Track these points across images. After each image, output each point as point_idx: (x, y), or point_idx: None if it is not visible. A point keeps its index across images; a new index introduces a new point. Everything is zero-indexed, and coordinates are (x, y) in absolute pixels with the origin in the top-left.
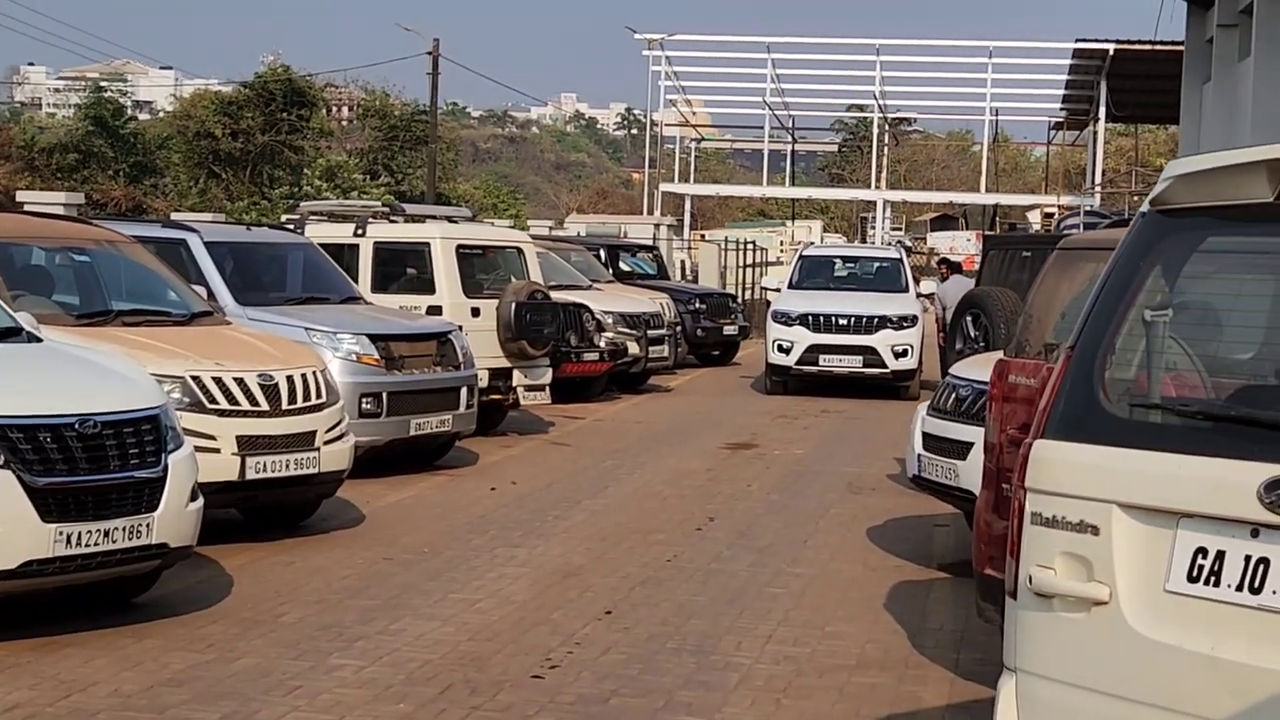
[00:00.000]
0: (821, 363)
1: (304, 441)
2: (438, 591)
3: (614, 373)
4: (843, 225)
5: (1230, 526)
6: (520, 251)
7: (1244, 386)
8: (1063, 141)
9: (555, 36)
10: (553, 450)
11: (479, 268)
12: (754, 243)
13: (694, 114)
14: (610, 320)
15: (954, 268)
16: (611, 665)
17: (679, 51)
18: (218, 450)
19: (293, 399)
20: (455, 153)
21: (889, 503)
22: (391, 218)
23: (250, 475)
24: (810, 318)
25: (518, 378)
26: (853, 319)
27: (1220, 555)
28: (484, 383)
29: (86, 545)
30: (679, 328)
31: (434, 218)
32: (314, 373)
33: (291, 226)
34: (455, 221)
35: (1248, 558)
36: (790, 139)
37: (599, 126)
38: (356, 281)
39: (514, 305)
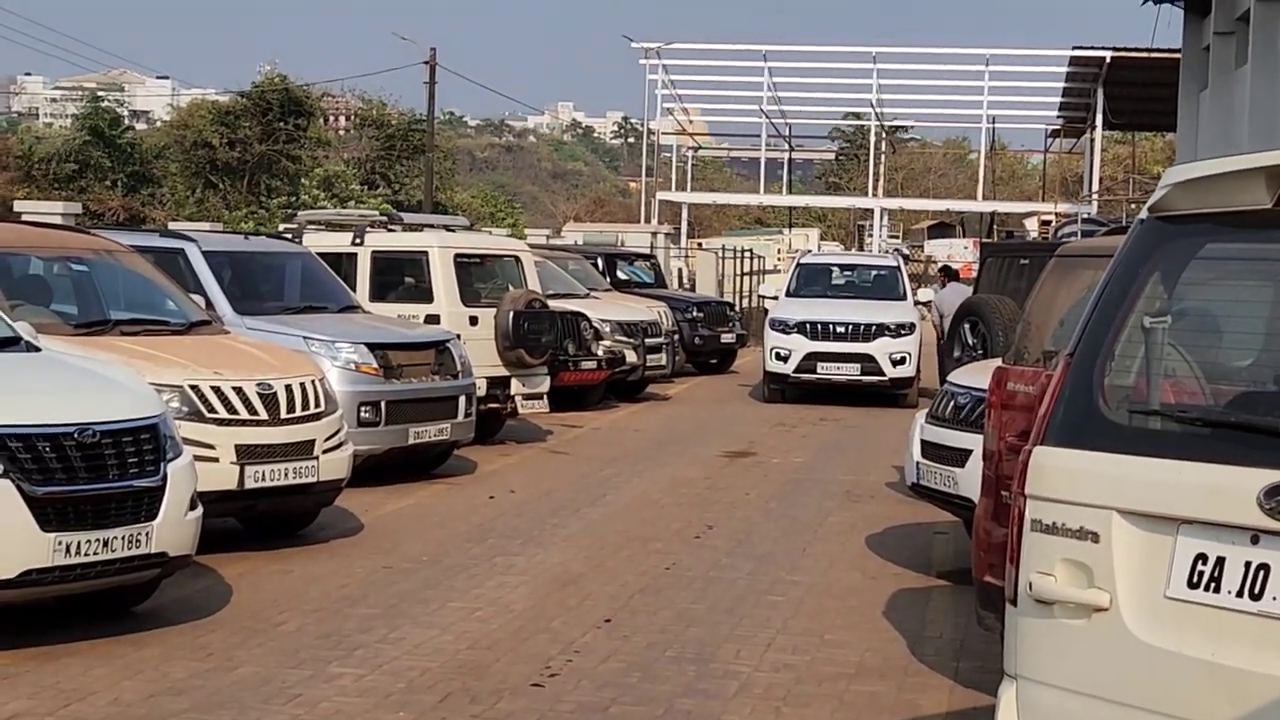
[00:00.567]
0: (819, 371)
1: (303, 450)
2: (436, 600)
3: (612, 381)
4: (840, 233)
5: (1230, 532)
6: (518, 260)
7: (1243, 393)
8: (1060, 149)
9: (552, 46)
10: (551, 459)
11: (477, 276)
12: (751, 251)
13: (691, 122)
14: (608, 329)
15: (952, 275)
16: (611, 673)
17: (676, 60)
18: (216, 459)
19: (291, 408)
20: (452, 162)
21: (888, 510)
22: (389, 227)
23: (249, 484)
24: (808, 325)
25: (516, 386)
26: (850, 327)
27: (1220, 561)
28: (482, 391)
29: (86, 554)
30: (676, 336)
31: (432, 227)
32: (312, 381)
33: (289, 235)
34: (453, 230)
35: (1248, 564)
36: (787, 147)
37: (596, 135)
38: (355, 290)
39: (512, 314)
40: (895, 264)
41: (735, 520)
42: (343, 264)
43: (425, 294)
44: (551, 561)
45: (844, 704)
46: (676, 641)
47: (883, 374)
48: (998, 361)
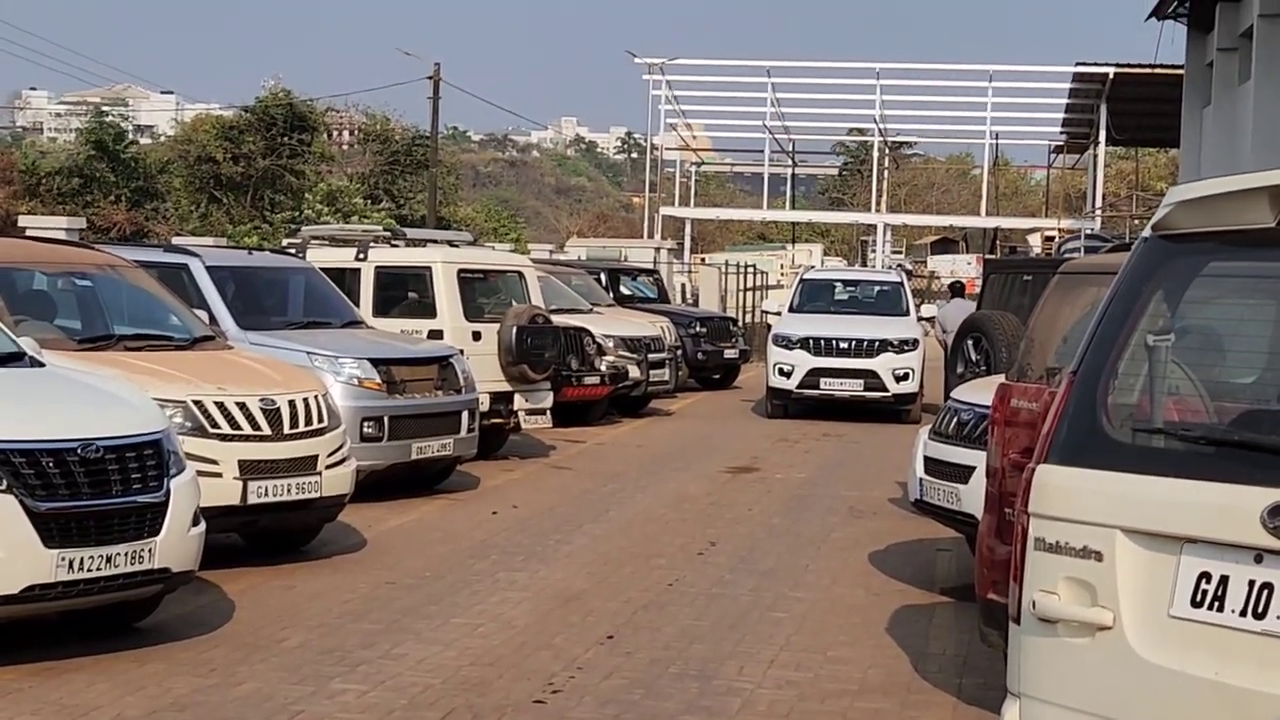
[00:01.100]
0: (823, 386)
1: (306, 466)
2: (439, 616)
3: (614, 396)
4: (843, 248)
5: (1234, 552)
6: (521, 275)
7: (1247, 411)
8: (1063, 165)
9: (555, 61)
10: (554, 474)
11: (480, 292)
12: (754, 266)
13: (694, 138)
14: (611, 344)
15: (958, 290)
16: (614, 690)
17: (679, 75)
18: (220, 475)
19: (294, 423)
20: (456, 177)
21: (891, 527)
22: (393, 242)
23: (252, 500)
24: (811, 341)
25: (519, 401)
26: (854, 343)
27: (1224, 580)
28: (485, 407)
29: (89, 570)
30: (680, 351)
31: (435, 242)
32: (316, 397)
33: (293, 251)
34: (456, 246)
35: (1251, 583)
36: (790, 162)
37: (599, 150)
38: (358, 306)
39: (515, 329)
40: (898, 280)
41: (738, 536)
42: (346, 279)
43: (429, 309)
44: (554, 577)
45: None
46: (679, 658)
47: (886, 390)
48: (1001, 378)
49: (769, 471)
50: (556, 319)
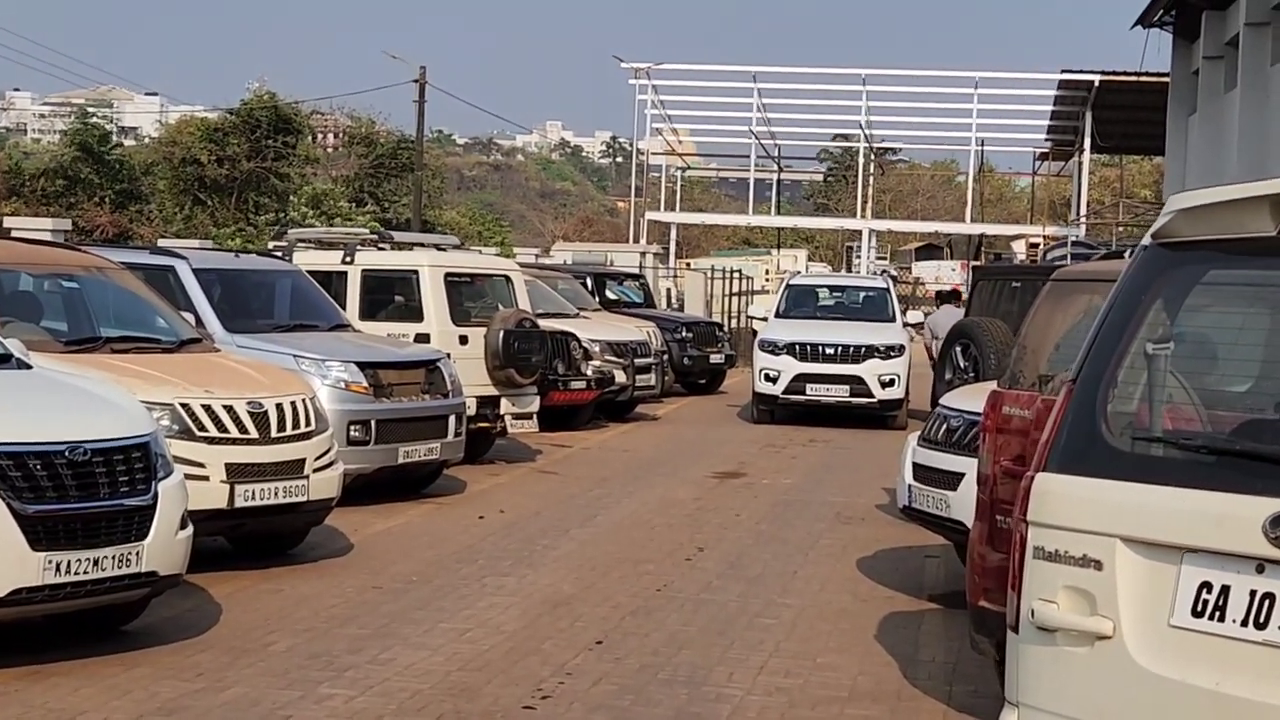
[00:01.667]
0: (809, 392)
1: (293, 469)
2: (427, 620)
3: (601, 401)
4: (828, 254)
5: (1235, 561)
6: (508, 279)
7: (1249, 420)
8: (1048, 172)
9: (541, 65)
10: (540, 479)
11: (467, 295)
12: (740, 271)
13: (680, 142)
14: (597, 348)
15: (945, 298)
16: (603, 696)
17: (665, 80)
18: (206, 478)
19: (282, 426)
20: (440, 180)
21: (878, 533)
22: (380, 245)
23: (239, 503)
24: (797, 347)
25: (505, 406)
26: (840, 348)
27: (1225, 590)
28: (472, 410)
29: (76, 573)
30: (666, 356)
31: (422, 245)
32: (303, 400)
33: (279, 253)
34: (444, 249)
35: (1253, 593)
36: (776, 168)
37: (584, 155)
38: (345, 309)
39: (502, 333)
40: (884, 286)
41: (726, 542)
42: (333, 282)
43: (415, 313)
44: (542, 582)
45: None
46: (669, 664)
47: (872, 396)
48: (990, 384)
49: (756, 477)
50: (543, 323)
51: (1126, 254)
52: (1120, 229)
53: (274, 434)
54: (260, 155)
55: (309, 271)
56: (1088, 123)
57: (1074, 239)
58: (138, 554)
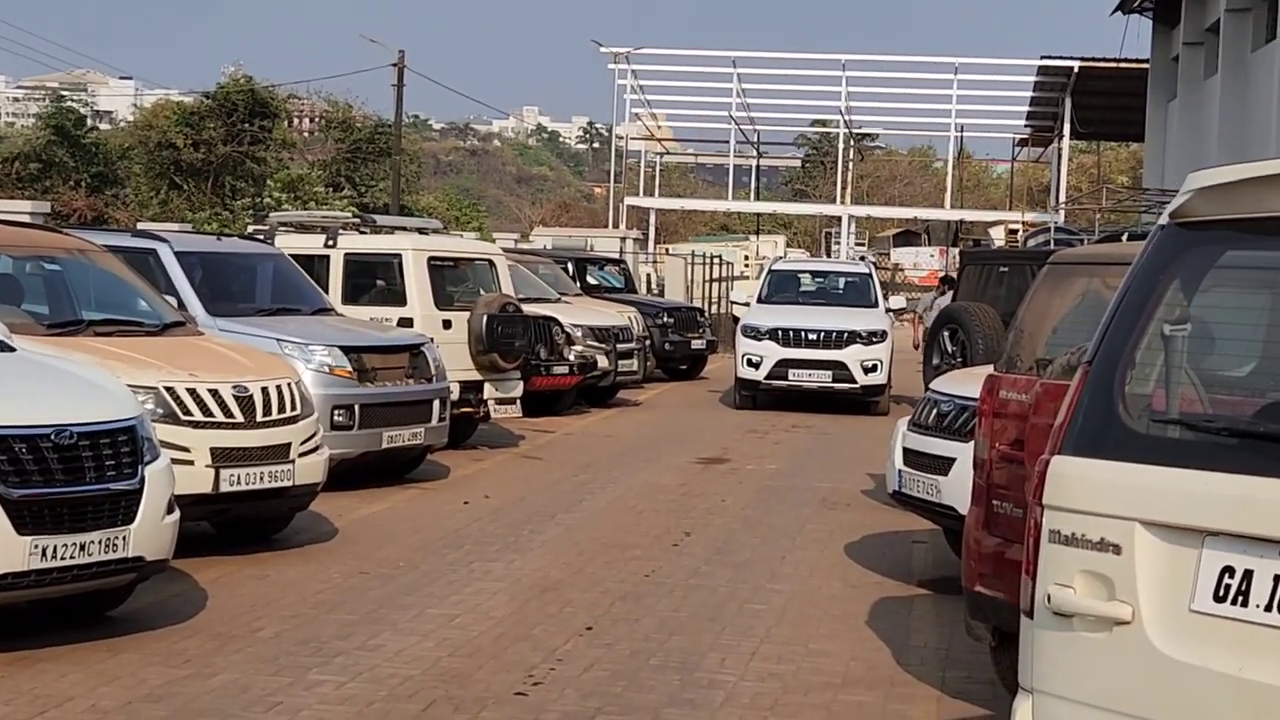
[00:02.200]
0: (791, 377)
1: (279, 454)
2: (416, 606)
3: (583, 386)
4: (805, 240)
5: (1258, 545)
6: (492, 264)
7: (1271, 402)
8: (1027, 158)
9: (518, 49)
10: (524, 464)
11: (450, 280)
12: (720, 257)
13: (659, 128)
14: (579, 333)
15: (949, 283)
16: (595, 682)
17: (644, 65)
18: (191, 462)
19: (267, 411)
20: (417, 165)
21: (865, 518)
22: (362, 229)
23: (224, 488)
24: (779, 332)
25: (489, 390)
26: (822, 334)
27: (1248, 574)
28: (455, 395)
29: (62, 558)
30: (648, 341)
31: (405, 229)
32: (289, 384)
33: (261, 237)
34: (426, 233)
35: (1277, 577)
36: (755, 153)
37: (561, 140)
38: (327, 293)
39: (485, 318)
40: (867, 271)
41: (713, 527)
42: (315, 266)
43: (398, 297)
44: (530, 568)
45: (832, 714)
46: (660, 650)
47: (854, 381)
48: (980, 369)
49: (740, 462)
50: (525, 308)
51: (1124, 237)
52: (1098, 215)
53: (259, 418)
54: (236, 139)
55: (291, 255)
56: (1067, 109)
57: (1057, 225)
58: (124, 539)
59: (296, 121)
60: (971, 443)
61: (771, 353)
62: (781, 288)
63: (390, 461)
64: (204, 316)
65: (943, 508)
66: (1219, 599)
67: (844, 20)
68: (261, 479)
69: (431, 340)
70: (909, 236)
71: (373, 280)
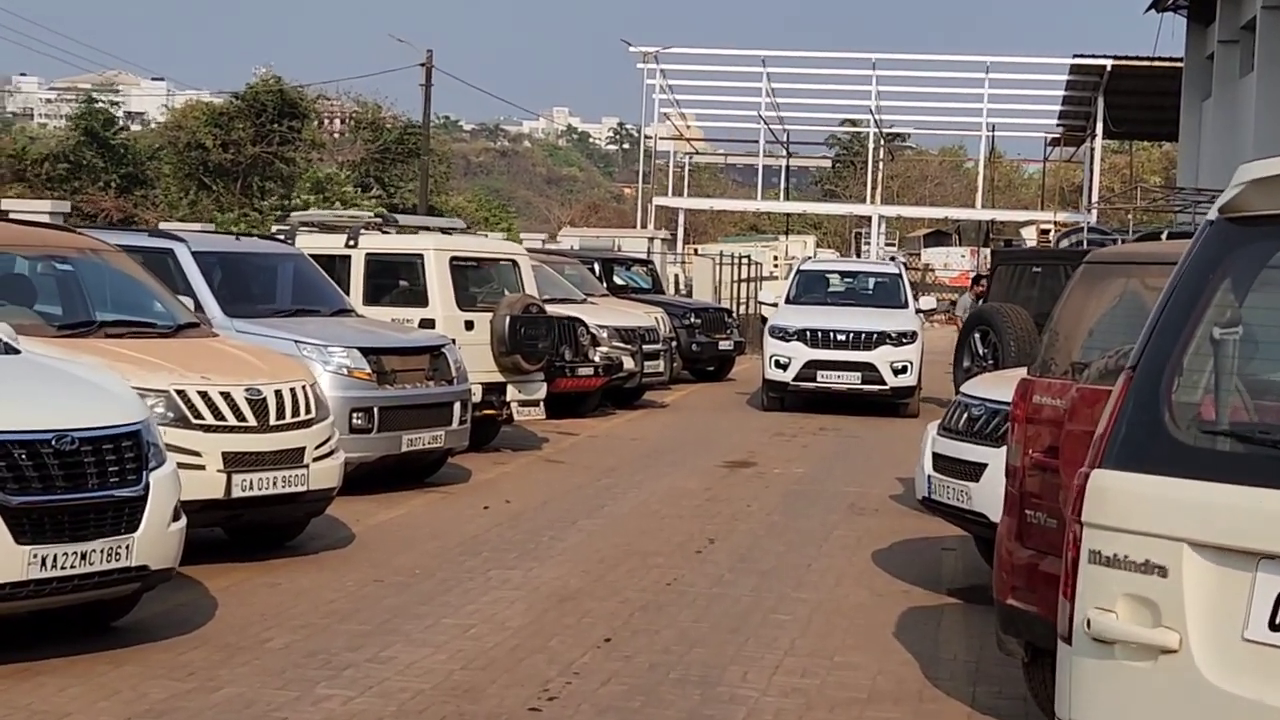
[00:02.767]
0: (819, 379)
1: (292, 458)
2: (430, 616)
3: (608, 388)
4: (835, 240)
5: None
6: (515, 264)
7: None
8: (1059, 158)
9: (548, 50)
10: (547, 467)
11: (473, 280)
12: (749, 257)
13: (688, 128)
14: (605, 334)
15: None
16: (612, 697)
17: (674, 65)
18: (203, 467)
19: (281, 414)
20: (447, 166)
21: (893, 524)
22: (384, 229)
23: (236, 493)
24: (808, 333)
25: (511, 392)
26: (851, 335)
27: None
28: (477, 397)
29: (62, 568)
30: (674, 342)
31: (427, 229)
32: (303, 387)
33: (282, 237)
34: (449, 233)
35: None
36: (784, 153)
37: (591, 141)
38: (348, 293)
39: (508, 319)
40: (896, 271)
41: (737, 534)
42: (336, 266)
43: (420, 297)
44: (548, 576)
45: None
46: (680, 663)
47: (884, 383)
48: (1012, 372)
49: (766, 466)
50: (550, 309)
51: (1164, 235)
52: (1131, 215)
53: (273, 422)
54: (265, 140)
55: (312, 255)
56: (1099, 108)
57: (1091, 224)
58: (128, 547)
59: (326, 122)
60: (1003, 448)
61: (800, 354)
62: (810, 288)
63: (409, 465)
64: (221, 318)
65: (973, 514)
66: (1275, 627)
67: (875, 19)
68: (275, 484)
69: (453, 341)
70: (940, 237)
71: (394, 281)
